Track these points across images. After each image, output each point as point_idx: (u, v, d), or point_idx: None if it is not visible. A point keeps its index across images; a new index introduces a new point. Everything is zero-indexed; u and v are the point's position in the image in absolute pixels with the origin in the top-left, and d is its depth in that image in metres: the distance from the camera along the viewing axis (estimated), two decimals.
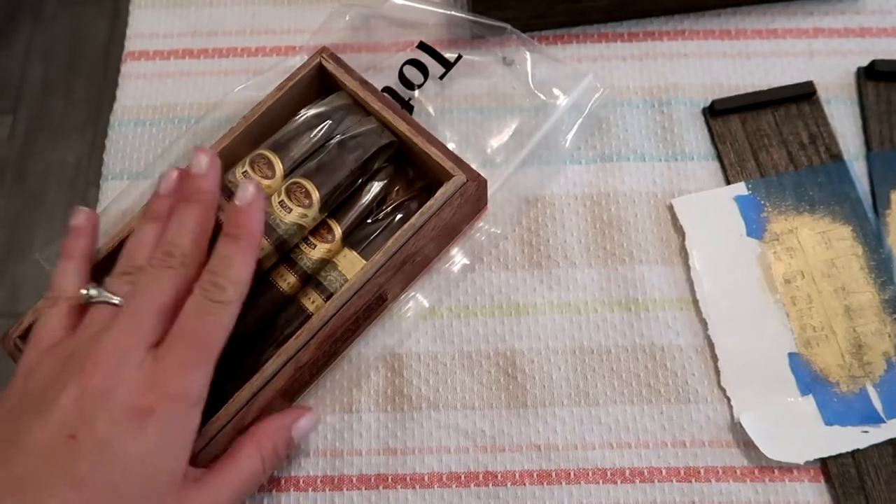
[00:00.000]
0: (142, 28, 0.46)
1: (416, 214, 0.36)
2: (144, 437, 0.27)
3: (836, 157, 0.40)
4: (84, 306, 0.31)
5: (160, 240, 0.32)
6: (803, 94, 0.42)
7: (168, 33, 0.46)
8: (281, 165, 0.37)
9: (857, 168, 0.41)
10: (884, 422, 0.35)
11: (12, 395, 0.29)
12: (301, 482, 0.36)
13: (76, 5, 1.45)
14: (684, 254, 0.39)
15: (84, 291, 0.31)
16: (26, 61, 1.41)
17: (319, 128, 0.38)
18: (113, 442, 0.27)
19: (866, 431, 0.35)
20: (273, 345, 0.36)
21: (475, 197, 0.38)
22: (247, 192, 0.32)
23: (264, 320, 0.36)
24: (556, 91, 0.41)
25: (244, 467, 0.31)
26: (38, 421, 0.27)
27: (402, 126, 0.38)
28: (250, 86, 0.42)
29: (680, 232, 0.40)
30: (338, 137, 0.38)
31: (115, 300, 0.31)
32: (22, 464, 0.27)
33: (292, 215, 0.36)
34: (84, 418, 0.27)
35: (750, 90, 0.42)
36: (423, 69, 0.42)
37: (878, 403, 0.36)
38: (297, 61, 0.42)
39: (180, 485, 0.28)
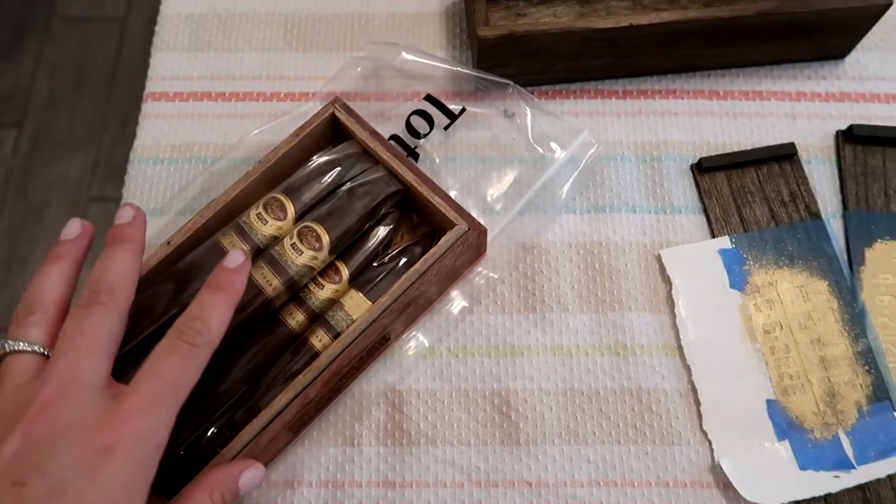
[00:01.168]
0: (162, 70, 0.48)
1: (420, 260, 0.38)
2: (103, 479, 0.25)
3: (815, 215, 0.43)
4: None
5: (88, 280, 0.30)
6: (785, 154, 0.44)
7: (188, 76, 0.48)
8: (293, 208, 0.40)
9: (834, 225, 0.43)
10: (854, 468, 0.37)
11: None
12: None
13: (84, 23, 1.48)
14: (671, 302, 0.42)
15: None
16: (33, 76, 1.43)
17: (330, 174, 0.41)
18: (69, 484, 0.25)
19: (838, 476, 0.37)
20: (281, 380, 0.38)
21: (476, 244, 0.40)
22: (236, 257, 0.32)
23: (272, 356, 0.38)
24: (553, 145, 0.44)
25: None
26: None
27: (408, 176, 0.40)
28: (266, 130, 0.44)
29: (667, 281, 0.42)
30: (348, 184, 0.40)
31: (27, 346, 0.29)
32: None
33: (303, 257, 0.38)
34: (32, 464, 0.25)
35: (736, 148, 0.45)
36: (429, 119, 0.45)
37: (849, 450, 0.38)
38: (310, 107, 0.45)
39: None
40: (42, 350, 0.29)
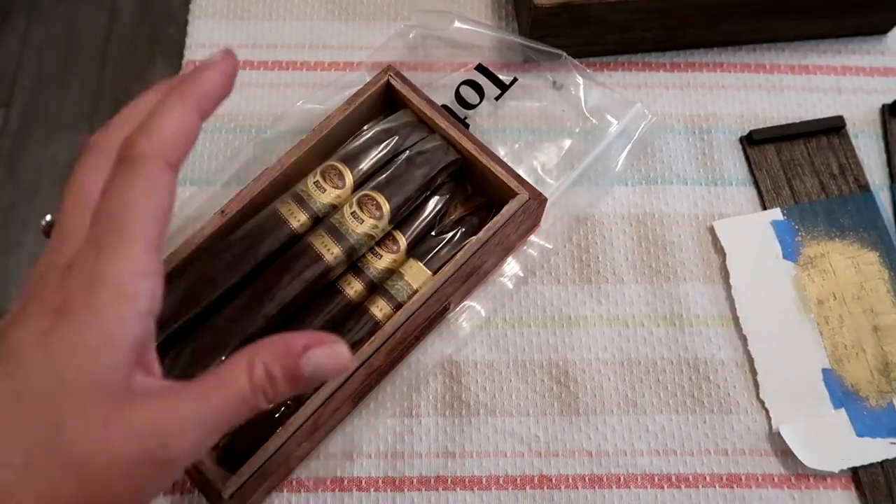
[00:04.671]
0: (201, 38, 0.47)
1: (483, 229, 0.38)
2: (52, 339, 0.20)
3: (864, 188, 0.44)
4: None
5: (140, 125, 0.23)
6: (833, 128, 0.45)
7: (228, 44, 0.47)
8: (351, 177, 0.39)
9: (883, 198, 0.44)
10: None
11: None
12: (363, 483, 0.38)
13: (73, 0, 1.45)
14: (724, 273, 0.42)
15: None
16: (21, 55, 1.40)
17: (387, 143, 0.40)
18: (20, 350, 0.20)
19: (894, 443, 0.38)
20: None
21: (535, 214, 0.40)
22: (219, 55, 0.24)
23: (333, 326, 0.38)
24: (608, 116, 0.44)
25: (222, 387, 0.22)
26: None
27: (467, 144, 0.40)
28: (312, 99, 0.44)
29: (720, 253, 0.42)
30: (406, 153, 0.40)
31: None
32: None
33: (364, 226, 0.37)
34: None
35: (783, 122, 0.45)
36: (479, 90, 0.44)
37: None
38: (356, 77, 0.44)
39: (120, 395, 0.21)
40: None
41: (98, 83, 1.36)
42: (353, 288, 0.38)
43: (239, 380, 0.22)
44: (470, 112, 0.44)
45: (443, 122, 0.40)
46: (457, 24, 0.44)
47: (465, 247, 0.38)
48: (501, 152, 0.44)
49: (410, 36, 0.45)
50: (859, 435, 0.38)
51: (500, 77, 0.45)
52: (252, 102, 0.46)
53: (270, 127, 0.44)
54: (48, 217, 0.29)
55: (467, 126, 0.44)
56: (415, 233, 0.39)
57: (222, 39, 0.47)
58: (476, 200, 0.42)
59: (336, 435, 0.38)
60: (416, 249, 0.39)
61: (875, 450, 0.38)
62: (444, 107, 0.44)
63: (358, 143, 0.40)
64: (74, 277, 0.21)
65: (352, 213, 0.38)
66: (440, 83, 0.46)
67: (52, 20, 1.42)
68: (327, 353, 0.23)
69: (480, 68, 0.45)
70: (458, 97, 0.45)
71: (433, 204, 0.40)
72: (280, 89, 0.46)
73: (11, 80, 1.36)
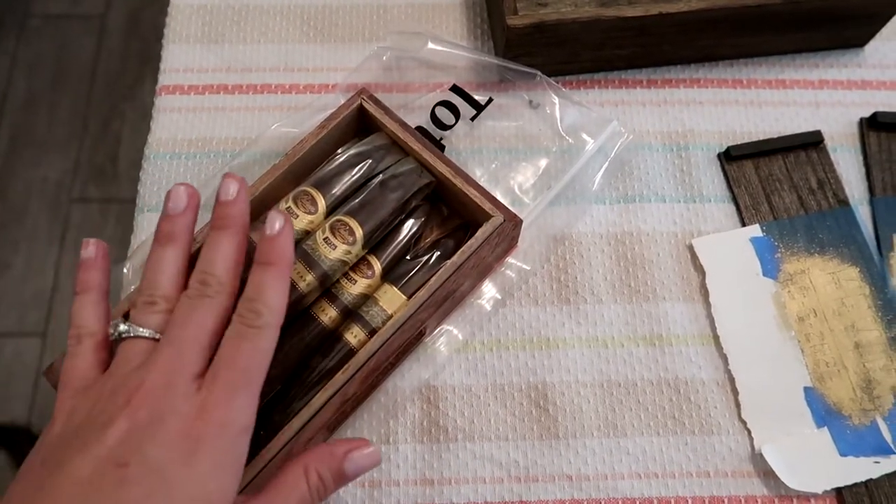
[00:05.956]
0: (176, 63, 0.47)
1: (458, 252, 0.37)
2: (195, 463, 0.27)
3: (843, 202, 0.43)
4: (112, 341, 0.31)
5: (196, 268, 0.31)
6: (812, 142, 0.44)
7: (202, 68, 0.47)
8: (324, 202, 0.39)
9: (862, 212, 0.43)
10: (894, 453, 0.37)
11: (51, 437, 0.28)
12: None
13: (63, 20, 1.45)
14: (704, 291, 0.41)
15: (112, 329, 0.31)
16: (10, 75, 1.40)
17: (360, 167, 0.40)
18: (165, 468, 0.27)
19: (878, 462, 0.37)
20: (316, 377, 0.37)
21: (511, 236, 0.40)
22: (276, 221, 0.31)
23: (307, 354, 0.37)
24: (583, 135, 0.43)
25: (289, 494, 0.30)
26: (84, 454, 0.27)
27: (441, 167, 0.39)
28: (286, 123, 0.43)
29: (700, 270, 0.42)
30: (380, 177, 0.39)
31: (147, 333, 0.30)
32: (67, 493, 0.26)
33: (337, 252, 0.37)
34: (133, 448, 0.27)
35: (761, 137, 0.45)
36: (454, 110, 0.44)
37: (888, 435, 0.38)
38: (331, 99, 0.44)
39: None
40: (157, 336, 0.30)
41: (87, 102, 1.36)
42: (328, 314, 0.38)
43: (299, 486, 0.30)
44: (446, 133, 0.44)
45: (416, 145, 0.40)
46: (430, 45, 0.44)
47: (440, 271, 0.37)
48: (478, 173, 0.44)
49: (384, 58, 0.45)
50: (843, 454, 0.38)
51: (476, 97, 0.44)
52: (227, 127, 0.45)
53: (244, 150, 0.43)
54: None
55: (443, 147, 0.44)
56: (390, 257, 0.39)
57: (197, 63, 0.47)
58: (452, 223, 0.41)
59: None
60: (392, 274, 0.39)
61: (859, 469, 0.37)
62: (420, 128, 0.44)
63: (331, 167, 0.40)
64: (211, 415, 0.28)
65: (324, 239, 0.37)
66: (416, 104, 0.45)
67: (41, 40, 1.42)
68: (364, 455, 0.31)
69: (455, 89, 0.44)
70: (434, 118, 0.44)
71: (408, 227, 0.40)
72: (255, 113, 0.46)
73: (1, 99, 1.36)
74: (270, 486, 0.30)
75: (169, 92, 0.46)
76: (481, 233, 0.38)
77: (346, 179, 0.39)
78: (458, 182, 0.39)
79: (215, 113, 0.46)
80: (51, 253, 1.23)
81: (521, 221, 0.39)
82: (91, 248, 0.33)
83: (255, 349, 0.29)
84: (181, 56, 0.47)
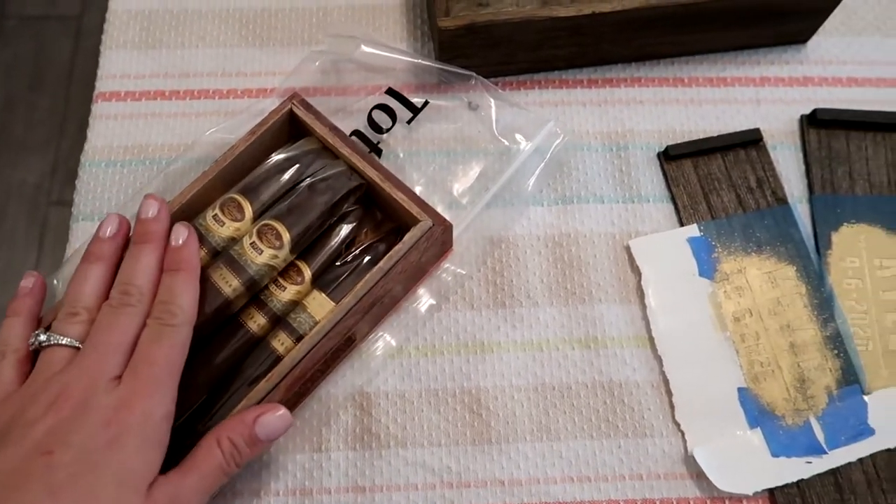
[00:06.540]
0: (113, 69, 0.47)
1: (384, 258, 0.37)
2: (119, 447, 0.29)
3: (782, 201, 0.43)
4: (34, 355, 0.33)
5: (117, 279, 0.34)
6: (751, 140, 0.44)
7: (140, 74, 0.46)
8: (251, 208, 0.38)
9: (801, 210, 0.43)
10: (826, 452, 0.37)
11: None
12: None
13: (40, 21, 1.44)
14: (641, 293, 0.41)
15: (33, 339, 0.33)
16: None
17: (289, 171, 0.39)
18: (90, 452, 0.29)
19: (810, 462, 0.37)
20: (243, 385, 0.36)
21: (441, 240, 0.39)
22: (179, 235, 0.35)
23: (234, 361, 0.37)
24: (518, 137, 0.43)
25: (203, 464, 0.32)
26: (11, 448, 0.29)
27: (370, 172, 0.39)
28: (223, 128, 0.43)
29: (636, 272, 0.42)
30: (308, 180, 0.39)
31: (66, 342, 0.32)
32: None
33: (263, 256, 0.37)
34: (59, 438, 0.29)
35: (702, 135, 0.45)
36: (391, 114, 0.44)
37: (820, 435, 0.38)
38: (268, 104, 0.43)
39: (149, 488, 0.30)
40: (77, 344, 0.32)
41: (65, 104, 1.36)
42: (256, 322, 0.37)
43: (213, 455, 0.32)
44: (383, 136, 0.44)
45: (345, 149, 0.39)
46: (363, 48, 0.43)
47: (367, 277, 0.37)
48: (415, 176, 0.44)
49: (317, 63, 0.44)
50: (774, 455, 0.37)
51: (412, 100, 0.44)
52: (163, 133, 0.45)
53: (180, 157, 0.43)
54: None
55: (380, 152, 0.44)
56: (320, 262, 0.39)
57: (134, 69, 0.47)
58: (386, 227, 0.41)
59: (244, 472, 0.38)
60: (321, 279, 0.39)
61: (791, 470, 0.37)
62: (357, 132, 0.44)
63: (259, 173, 0.39)
64: (132, 405, 0.30)
65: (251, 244, 0.37)
66: (354, 108, 0.45)
67: (19, 42, 1.41)
68: (273, 418, 0.33)
69: (391, 92, 0.44)
70: (371, 121, 0.44)
71: (340, 232, 0.40)
72: (192, 119, 0.45)
73: None
74: (186, 459, 0.32)
75: (105, 99, 0.46)
76: (408, 238, 0.37)
77: (275, 185, 0.39)
78: (386, 186, 0.39)
79: (152, 119, 0.45)
80: (29, 256, 1.23)
81: (450, 226, 0.39)
82: (30, 280, 0.36)
83: (172, 345, 0.32)
84: (118, 62, 0.47)
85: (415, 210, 0.38)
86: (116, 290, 0.34)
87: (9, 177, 1.31)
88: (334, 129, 0.40)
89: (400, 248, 0.37)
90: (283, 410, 0.34)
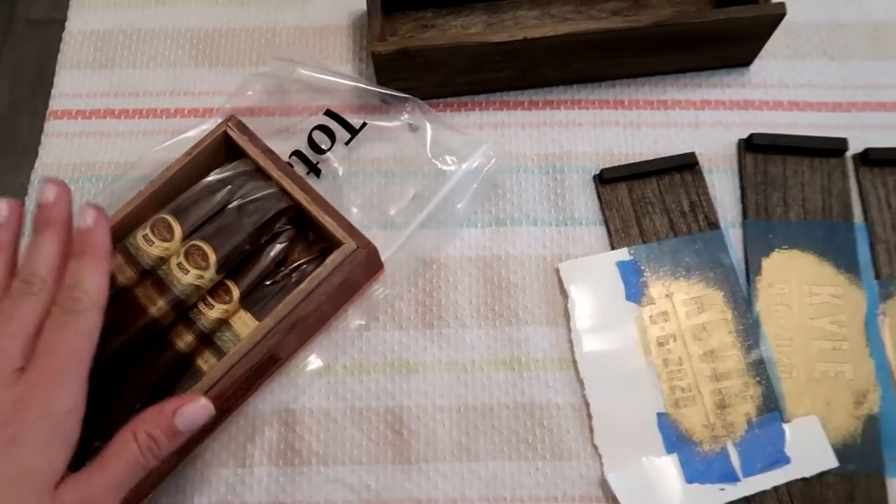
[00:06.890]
0: (66, 88, 0.48)
1: (307, 280, 0.38)
2: (19, 444, 0.28)
3: (713, 225, 0.43)
4: None
5: (17, 270, 0.32)
6: (686, 164, 0.44)
7: (91, 93, 0.48)
8: (180, 229, 0.39)
9: (733, 236, 0.43)
10: (739, 480, 0.38)
11: None
12: None
13: (47, 25, 1.46)
14: (568, 316, 0.42)
15: None
16: None
17: (220, 192, 0.40)
18: None
19: (723, 489, 0.37)
20: None
21: (366, 262, 0.40)
22: (87, 216, 0.33)
23: (161, 378, 0.38)
24: (451, 159, 0.44)
25: (119, 457, 0.31)
26: None
27: (298, 194, 0.40)
28: (166, 147, 0.44)
29: (565, 294, 0.42)
30: (237, 202, 0.40)
31: None
32: None
33: (189, 276, 0.38)
34: None
35: (639, 158, 0.45)
36: (330, 134, 0.45)
37: (736, 462, 0.38)
38: (212, 124, 0.44)
39: (56, 487, 0.29)
40: None
41: None
42: (184, 340, 0.38)
43: (129, 448, 0.30)
44: (323, 156, 0.45)
45: (276, 172, 0.40)
46: (300, 70, 0.44)
47: (288, 298, 0.38)
48: (353, 196, 0.44)
49: (259, 85, 0.45)
50: (689, 481, 0.38)
51: (351, 121, 0.45)
52: (111, 151, 0.46)
53: (124, 174, 0.44)
54: None
55: (319, 172, 0.45)
56: (249, 282, 0.40)
57: (87, 88, 0.48)
58: (318, 247, 0.42)
59: (168, 485, 0.39)
60: (249, 299, 0.40)
61: (703, 497, 0.37)
62: (297, 152, 0.45)
63: (191, 193, 0.40)
64: (33, 400, 0.29)
65: (178, 264, 0.38)
66: (297, 128, 0.46)
67: (24, 45, 1.44)
68: (193, 408, 0.32)
69: (330, 113, 0.45)
70: (311, 142, 0.45)
71: (271, 252, 0.40)
72: (139, 137, 0.47)
73: None
74: (102, 453, 0.31)
75: (58, 117, 0.47)
76: (330, 261, 0.38)
77: (205, 206, 0.40)
78: (313, 209, 0.39)
79: (101, 138, 0.47)
80: None
81: (375, 248, 0.40)
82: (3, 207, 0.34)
83: (77, 333, 0.30)
84: (72, 81, 0.48)
85: (339, 233, 0.39)
86: (18, 279, 0.32)
87: (12, 181, 1.33)
88: (267, 151, 0.41)
89: (321, 271, 0.38)
90: (204, 400, 0.32)
